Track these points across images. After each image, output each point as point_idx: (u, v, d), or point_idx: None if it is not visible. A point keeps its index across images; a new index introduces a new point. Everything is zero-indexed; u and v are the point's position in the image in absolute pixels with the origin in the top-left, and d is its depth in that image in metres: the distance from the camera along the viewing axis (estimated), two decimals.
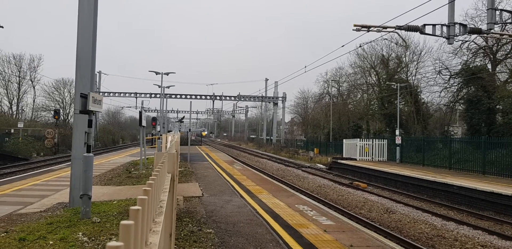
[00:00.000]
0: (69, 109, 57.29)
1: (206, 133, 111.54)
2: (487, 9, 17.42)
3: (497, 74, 33.19)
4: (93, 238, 7.34)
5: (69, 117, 55.97)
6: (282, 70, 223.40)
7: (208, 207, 11.18)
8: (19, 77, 54.01)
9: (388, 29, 18.64)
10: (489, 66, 33.14)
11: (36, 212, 10.14)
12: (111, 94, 60.80)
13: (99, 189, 13.76)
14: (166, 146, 13.41)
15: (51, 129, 39.71)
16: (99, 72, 59.97)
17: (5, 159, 29.15)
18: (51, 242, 7.04)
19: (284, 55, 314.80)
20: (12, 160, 29.56)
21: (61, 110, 52.30)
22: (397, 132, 33.12)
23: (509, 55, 32.28)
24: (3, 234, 7.73)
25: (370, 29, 18.17)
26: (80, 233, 7.64)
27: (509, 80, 32.10)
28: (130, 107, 79.02)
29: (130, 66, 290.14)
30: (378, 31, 18.35)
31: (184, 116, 69.08)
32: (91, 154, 9.52)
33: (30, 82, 55.58)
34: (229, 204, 11.78)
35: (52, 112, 48.99)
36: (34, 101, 57.14)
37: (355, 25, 18.13)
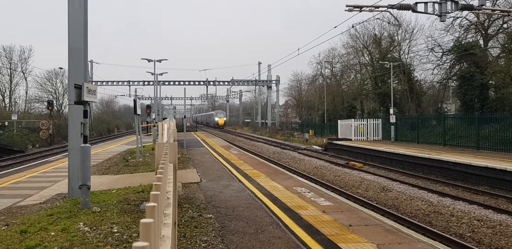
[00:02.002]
0: (63, 100, 56.98)
1: (224, 118, 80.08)
2: None
3: (489, 49, 33.17)
4: (95, 228, 7.41)
5: (62, 108, 55.72)
6: (276, 53, 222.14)
7: (207, 193, 11.27)
8: (10, 69, 53.48)
9: (381, 9, 18.53)
10: (481, 42, 33.08)
11: (35, 204, 10.19)
12: (104, 83, 60.40)
13: (97, 179, 13.81)
14: (162, 134, 13.42)
15: (45, 120, 39.52)
16: (91, 62, 59.46)
17: (0, 151, 29.08)
18: (52, 233, 7.10)
19: (278, 38, 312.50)
20: (7, 152, 29.48)
21: (55, 101, 51.95)
22: (391, 111, 33.23)
23: (500, 31, 32.21)
24: (4, 227, 7.78)
25: (363, 9, 18.06)
26: (81, 223, 7.70)
27: (501, 55, 32.11)
28: (124, 95, 78.64)
29: (121, 54, 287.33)
30: (371, 10, 18.25)
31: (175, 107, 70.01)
32: (88, 145, 9.53)
33: (22, 74, 55.09)
34: (228, 189, 11.88)
35: (46, 103, 48.67)
36: (26, 93, 56.78)
37: (347, 6, 18.00)
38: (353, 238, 7.15)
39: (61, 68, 54.29)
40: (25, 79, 55.79)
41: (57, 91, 58.79)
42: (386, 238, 7.14)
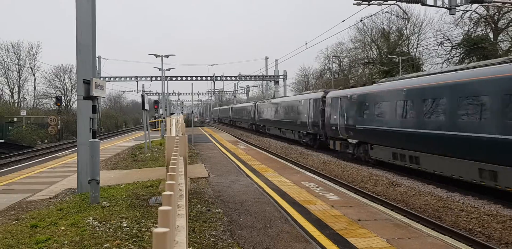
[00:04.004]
0: (71, 95, 57.33)
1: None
2: None
3: (499, 43, 32.81)
4: (104, 222, 7.44)
5: (71, 104, 56.09)
6: (283, 48, 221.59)
7: (215, 187, 11.28)
8: (18, 65, 53.90)
9: (389, 2, 18.35)
10: (491, 35, 32.75)
11: (45, 198, 10.26)
12: (112, 78, 60.53)
13: (106, 174, 13.88)
14: (170, 129, 13.44)
15: (53, 116, 39.78)
16: (99, 57, 59.62)
17: (10, 147, 29.32)
18: (62, 228, 7.15)
19: (285, 33, 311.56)
20: (17, 148, 29.73)
21: (63, 97, 52.35)
22: None
23: (511, 24, 31.82)
24: (14, 222, 7.84)
25: (371, 2, 17.88)
26: (91, 217, 7.74)
27: (511, 49, 31.74)
28: (131, 91, 78.70)
29: (129, 49, 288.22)
30: (379, 4, 18.08)
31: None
32: (97, 139, 9.57)
33: (30, 70, 55.50)
34: (236, 184, 11.88)
35: (54, 99, 48.99)
36: (35, 89, 57.21)
37: None
38: (362, 232, 7.13)
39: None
40: (33, 75, 56.25)
41: (65, 87, 59.23)
42: (395, 233, 7.10)
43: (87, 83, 9.16)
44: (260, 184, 11.94)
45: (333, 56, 54.36)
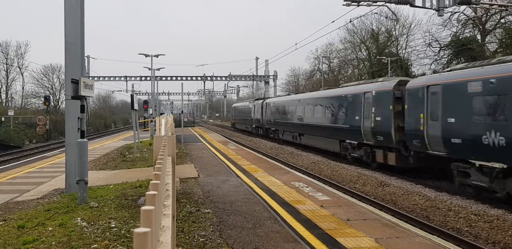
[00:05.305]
0: (59, 95, 56.86)
1: None
2: None
3: (487, 44, 33.19)
4: (92, 223, 7.39)
5: (59, 104, 55.60)
6: (274, 48, 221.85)
7: (205, 188, 11.26)
8: (6, 64, 53.30)
9: (378, 3, 18.43)
10: (479, 37, 33.12)
11: (33, 199, 10.16)
12: (101, 78, 60.06)
13: (95, 174, 13.78)
14: (160, 129, 13.40)
15: (42, 115, 39.41)
16: (88, 57, 59.11)
17: None
18: (50, 229, 7.08)
19: (276, 33, 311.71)
20: (4, 148, 29.40)
21: (51, 97, 51.84)
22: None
23: (498, 25, 32.20)
24: (1, 222, 7.76)
25: (360, 3, 17.96)
26: (79, 218, 7.68)
27: (498, 50, 32.12)
28: (121, 91, 78.34)
29: (118, 49, 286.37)
30: (368, 5, 18.17)
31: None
32: (85, 140, 9.50)
33: (18, 69, 54.90)
34: (226, 184, 11.87)
35: (42, 99, 48.53)
36: (23, 88, 56.62)
37: (345, 0, 17.90)
38: (351, 232, 7.16)
39: None
40: (22, 74, 55.66)
41: (53, 86, 58.71)
42: (384, 232, 7.15)
43: (76, 82, 9.10)
44: (250, 184, 11.94)
45: (323, 56, 54.56)
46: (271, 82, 63.65)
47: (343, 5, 18.00)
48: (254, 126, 40.34)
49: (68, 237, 6.56)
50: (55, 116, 42.20)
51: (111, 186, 11.49)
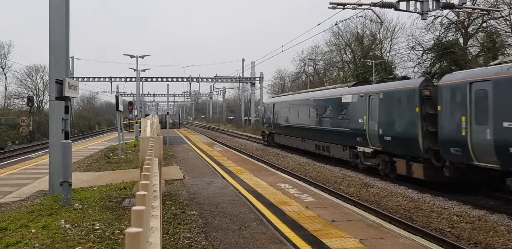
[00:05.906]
0: (43, 96, 56.01)
1: None
2: None
3: (469, 48, 33.74)
4: (76, 225, 7.33)
5: (43, 105, 54.80)
6: (260, 50, 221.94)
7: (190, 189, 11.23)
8: None
9: (364, 6, 18.63)
10: (461, 40, 33.65)
11: (15, 201, 10.03)
12: (85, 79, 59.53)
13: (79, 176, 13.63)
14: (145, 130, 13.32)
15: (25, 116, 38.82)
16: (72, 57, 58.53)
17: None
18: (33, 231, 7.01)
19: (262, 36, 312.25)
20: None
21: (35, 98, 51.08)
22: None
23: (480, 29, 32.77)
24: None
25: (346, 6, 18.14)
26: (63, 220, 7.61)
27: (480, 54, 32.70)
28: (105, 92, 77.44)
29: (103, 50, 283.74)
30: (354, 8, 18.34)
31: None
32: (69, 141, 9.42)
33: (1, 69, 54.01)
34: (211, 186, 11.85)
35: (26, 99, 47.80)
36: (6, 89, 55.67)
37: (331, 3, 18.05)
38: (336, 233, 7.22)
39: None
40: (5, 75, 54.75)
41: (37, 87, 57.86)
42: (368, 233, 7.23)
43: (60, 83, 9.01)
44: (236, 185, 11.95)
45: (308, 59, 54.89)
46: (257, 84, 63.78)
47: (329, 7, 18.16)
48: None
49: (52, 239, 6.50)
50: (39, 118, 41.61)
51: (95, 188, 11.40)
